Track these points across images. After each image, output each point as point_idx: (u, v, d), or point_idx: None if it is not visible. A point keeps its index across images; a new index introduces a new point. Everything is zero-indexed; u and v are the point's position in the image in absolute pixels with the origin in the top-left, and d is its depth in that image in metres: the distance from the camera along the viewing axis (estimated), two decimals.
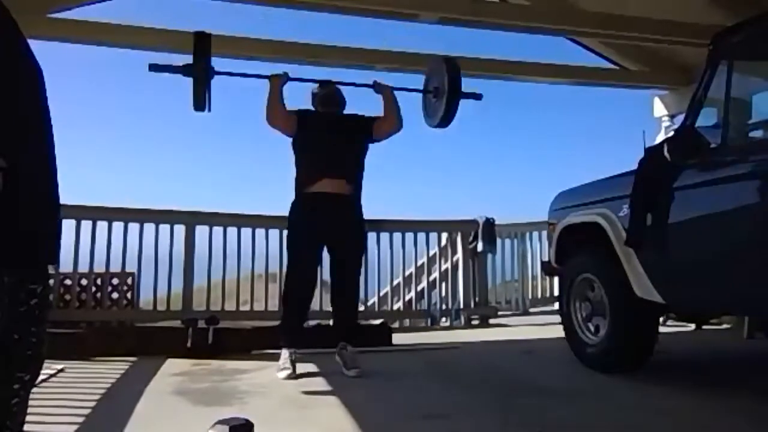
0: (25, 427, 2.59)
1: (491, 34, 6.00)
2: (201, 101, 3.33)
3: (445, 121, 3.81)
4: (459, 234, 6.32)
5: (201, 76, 3.27)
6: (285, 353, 3.70)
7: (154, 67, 3.34)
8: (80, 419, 2.72)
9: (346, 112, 3.95)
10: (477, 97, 3.89)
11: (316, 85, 3.93)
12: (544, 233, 5.27)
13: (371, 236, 5.82)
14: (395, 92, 3.85)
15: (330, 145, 3.69)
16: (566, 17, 5.78)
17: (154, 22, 5.55)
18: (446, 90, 3.73)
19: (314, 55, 6.12)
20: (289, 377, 3.57)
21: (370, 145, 3.89)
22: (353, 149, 3.81)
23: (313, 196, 3.68)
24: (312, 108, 3.93)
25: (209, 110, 3.39)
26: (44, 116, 1.34)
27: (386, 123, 3.83)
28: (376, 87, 3.87)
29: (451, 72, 3.75)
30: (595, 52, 6.95)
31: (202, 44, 3.27)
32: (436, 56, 3.93)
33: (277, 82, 3.65)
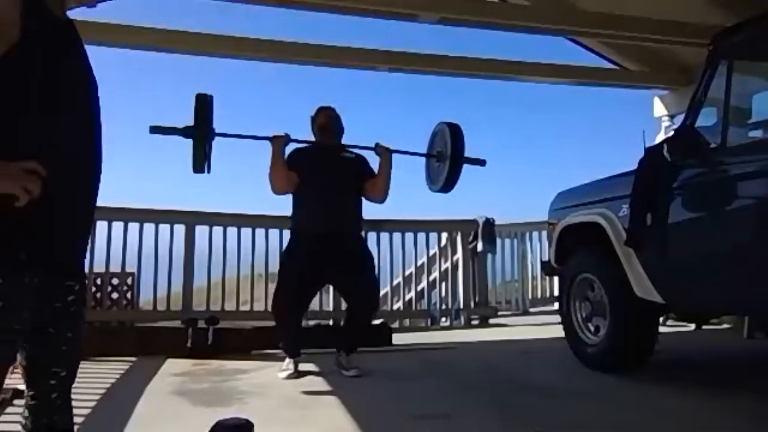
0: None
1: (491, 34, 6.01)
2: (200, 164, 3.21)
3: (447, 186, 3.73)
4: (459, 234, 6.32)
5: (201, 138, 3.17)
6: (287, 359, 3.75)
7: (155, 129, 3.22)
8: (80, 419, 2.71)
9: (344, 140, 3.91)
10: (480, 163, 3.79)
11: (315, 108, 3.89)
12: (544, 233, 5.27)
13: (371, 236, 5.82)
14: (397, 156, 3.80)
15: (328, 187, 3.66)
16: (566, 17, 5.78)
17: (154, 22, 5.55)
18: (449, 155, 3.65)
19: (315, 56, 6.12)
20: (290, 377, 3.60)
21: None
22: (351, 189, 3.79)
23: (312, 235, 3.67)
24: (312, 130, 3.87)
25: (209, 172, 3.25)
26: (96, 124, 1.40)
27: (374, 190, 3.80)
28: (377, 149, 3.78)
29: (453, 137, 3.66)
30: (595, 52, 6.95)
31: (203, 106, 3.17)
32: (440, 122, 3.82)
33: (278, 145, 3.61)
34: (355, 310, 3.79)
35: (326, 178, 3.69)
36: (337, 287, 4.03)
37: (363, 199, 3.83)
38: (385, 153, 3.77)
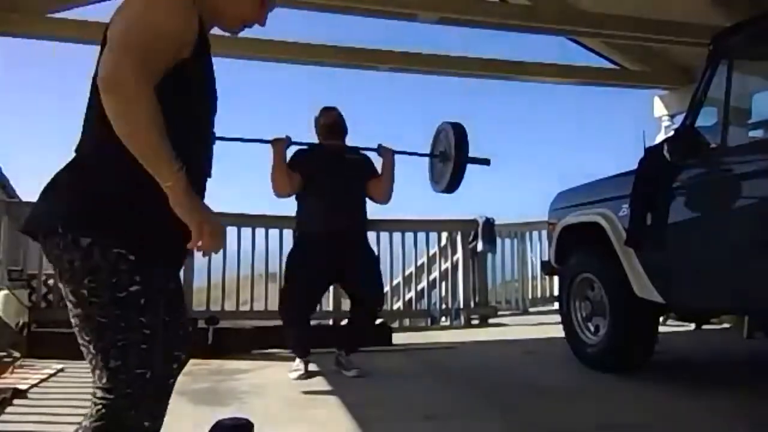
0: (25, 426, 2.60)
1: (491, 34, 6.01)
2: None
3: (451, 187, 3.68)
4: (459, 234, 6.32)
5: None
6: (297, 360, 3.74)
7: None
8: (80, 419, 2.72)
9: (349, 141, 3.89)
10: (485, 162, 3.74)
11: (319, 110, 3.86)
12: (544, 233, 5.28)
13: (371, 236, 5.82)
14: (398, 156, 3.79)
15: (332, 189, 3.66)
16: (567, 17, 5.78)
17: None
18: (453, 155, 3.57)
19: (316, 56, 6.12)
20: (301, 377, 3.61)
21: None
22: (356, 190, 3.78)
23: (318, 236, 3.65)
24: (314, 130, 3.85)
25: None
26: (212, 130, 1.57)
27: (377, 191, 3.78)
28: (380, 150, 3.77)
29: (458, 137, 3.58)
30: (595, 52, 6.95)
31: None
32: (443, 122, 3.75)
33: (279, 148, 3.59)
34: (361, 310, 3.78)
35: (331, 179, 3.67)
36: (344, 286, 4.01)
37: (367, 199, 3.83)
38: (387, 154, 3.77)
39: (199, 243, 1.29)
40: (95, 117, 1.28)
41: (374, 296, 3.78)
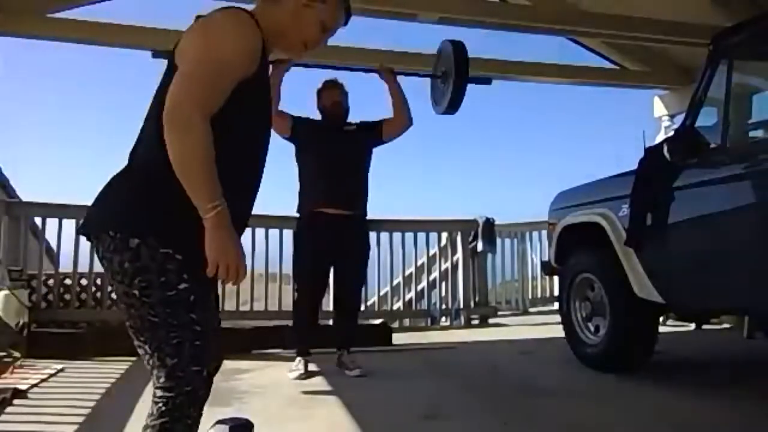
0: (25, 426, 2.60)
1: (492, 34, 6.00)
2: None
3: (452, 107, 3.49)
4: (459, 234, 6.32)
5: None
6: (298, 357, 3.73)
7: (157, 54, 3.21)
8: (80, 419, 2.72)
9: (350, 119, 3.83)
10: (486, 81, 3.73)
11: (322, 83, 3.80)
12: (544, 233, 5.27)
13: (371, 236, 5.82)
14: (400, 76, 3.71)
15: (333, 168, 3.63)
16: (567, 17, 5.77)
17: (154, 22, 5.54)
18: (453, 74, 3.42)
19: (316, 56, 6.10)
20: (300, 377, 3.60)
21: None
22: (358, 167, 3.75)
23: (317, 217, 3.65)
24: (317, 106, 3.80)
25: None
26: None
27: (396, 124, 3.72)
28: (382, 72, 3.70)
29: (457, 55, 3.43)
30: (595, 52, 6.95)
31: None
32: (444, 40, 3.59)
33: (277, 70, 3.33)
34: (345, 300, 3.82)
35: (331, 156, 3.63)
36: (334, 273, 3.90)
37: (386, 142, 3.76)
38: (390, 75, 3.69)
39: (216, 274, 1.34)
40: (153, 128, 1.36)
41: (355, 303, 3.91)
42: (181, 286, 1.34)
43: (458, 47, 3.49)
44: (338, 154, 3.66)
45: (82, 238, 1.54)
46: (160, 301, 1.34)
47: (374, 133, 3.76)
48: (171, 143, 1.29)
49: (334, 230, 3.61)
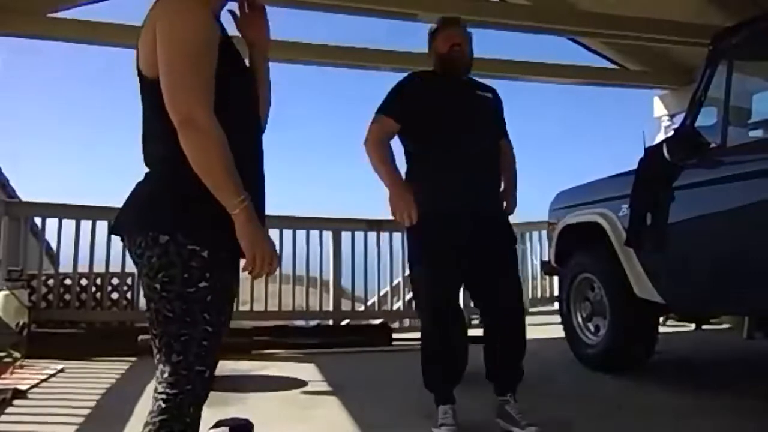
0: (25, 427, 2.60)
1: (492, 34, 6.00)
2: None
3: None
4: None
5: None
6: (441, 408, 2.60)
7: None
8: (80, 419, 2.72)
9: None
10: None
11: (435, 22, 2.86)
12: (544, 233, 5.27)
13: (371, 236, 5.82)
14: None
15: (464, 145, 2.59)
16: (567, 17, 5.78)
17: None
18: None
19: (317, 56, 6.11)
20: None
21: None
22: (493, 145, 2.75)
23: (442, 219, 2.54)
24: (428, 46, 2.84)
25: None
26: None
27: (506, 159, 2.85)
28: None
29: None
30: (595, 52, 6.96)
31: None
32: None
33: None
34: (501, 328, 2.82)
35: (460, 127, 2.60)
36: (473, 287, 2.89)
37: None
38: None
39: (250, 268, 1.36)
40: (167, 129, 1.35)
41: (514, 314, 2.79)
42: (201, 284, 1.36)
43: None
44: (472, 127, 2.68)
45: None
46: (178, 296, 1.36)
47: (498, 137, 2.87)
48: (188, 148, 1.31)
49: (465, 233, 2.61)
